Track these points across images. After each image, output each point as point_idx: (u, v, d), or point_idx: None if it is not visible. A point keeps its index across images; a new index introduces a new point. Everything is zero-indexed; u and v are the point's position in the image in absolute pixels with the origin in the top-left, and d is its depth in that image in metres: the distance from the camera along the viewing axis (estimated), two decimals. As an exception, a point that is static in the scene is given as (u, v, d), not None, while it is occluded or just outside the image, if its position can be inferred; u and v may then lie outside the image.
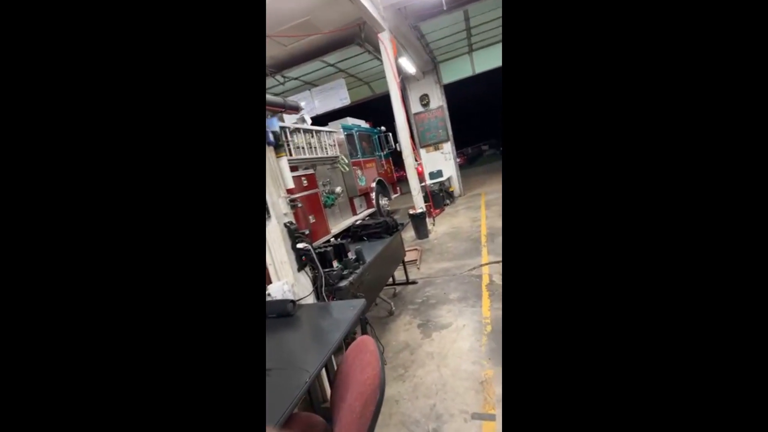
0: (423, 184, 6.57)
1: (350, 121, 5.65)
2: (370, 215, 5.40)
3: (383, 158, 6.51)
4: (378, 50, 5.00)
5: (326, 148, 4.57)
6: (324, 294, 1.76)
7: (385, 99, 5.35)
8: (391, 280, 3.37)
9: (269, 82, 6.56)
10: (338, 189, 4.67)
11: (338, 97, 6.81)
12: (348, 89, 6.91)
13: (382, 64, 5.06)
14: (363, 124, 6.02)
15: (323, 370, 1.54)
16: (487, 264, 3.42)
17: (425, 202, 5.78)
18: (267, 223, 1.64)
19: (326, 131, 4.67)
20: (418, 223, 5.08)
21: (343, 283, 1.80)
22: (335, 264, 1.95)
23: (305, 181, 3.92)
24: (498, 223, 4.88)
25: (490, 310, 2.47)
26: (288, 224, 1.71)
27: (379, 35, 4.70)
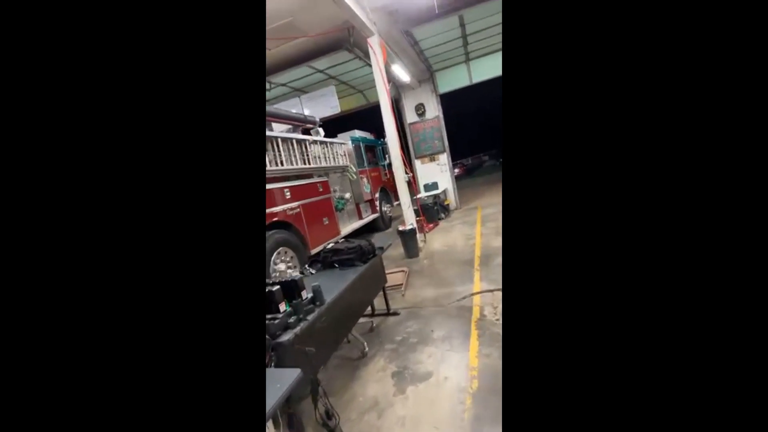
0: (415, 197, 6.24)
1: (357, 133, 6.17)
2: (372, 221, 5.96)
3: (386, 167, 7.00)
4: (369, 56, 4.70)
5: (338, 158, 5.07)
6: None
7: (379, 108, 5.05)
8: (370, 308, 2.98)
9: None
10: (347, 195, 5.22)
11: (328, 105, 6.51)
12: (340, 97, 6.63)
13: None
14: (368, 135, 6.49)
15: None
16: (478, 293, 3.03)
17: (417, 216, 5.43)
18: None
19: (338, 143, 5.17)
20: (408, 239, 4.70)
21: (286, 337, 1.41)
22: (282, 307, 1.56)
23: (321, 188, 4.46)
24: (493, 242, 4.50)
25: (477, 356, 2.07)
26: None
27: (369, 40, 4.41)
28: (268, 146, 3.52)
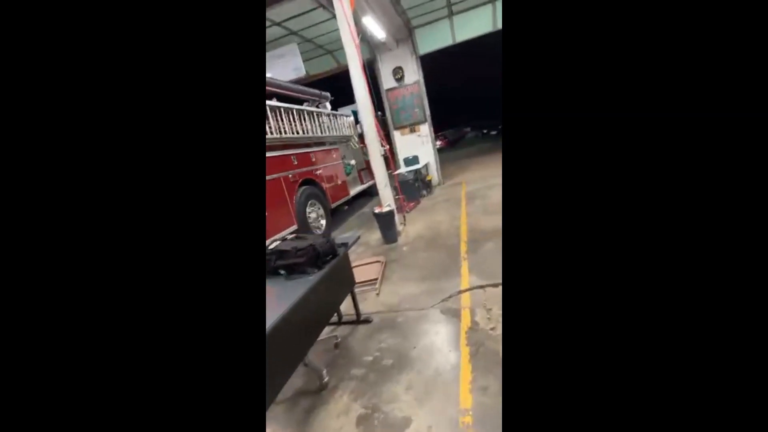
0: (393, 173, 5.64)
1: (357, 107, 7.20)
2: (369, 187, 6.51)
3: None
4: (333, 2, 3.83)
5: (343, 129, 5.88)
6: None
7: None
8: (336, 315, 2.42)
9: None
10: (353, 162, 6.08)
11: (291, 66, 5.60)
12: (306, 59, 5.72)
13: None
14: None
15: None
16: (468, 290, 2.52)
17: (396, 195, 4.83)
18: None
19: (343, 115, 5.97)
20: (385, 223, 4.11)
21: None
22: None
23: (334, 154, 5.29)
24: (482, 222, 3.99)
25: (471, 390, 1.56)
26: None
27: (329, -23, 3.54)
28: (296, 117, 4.27)
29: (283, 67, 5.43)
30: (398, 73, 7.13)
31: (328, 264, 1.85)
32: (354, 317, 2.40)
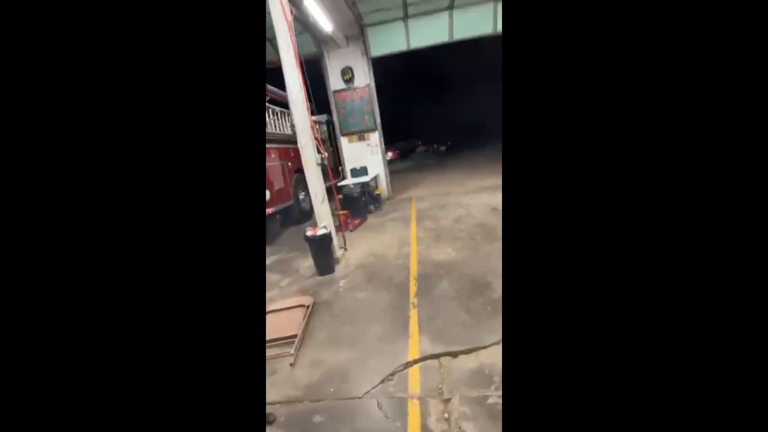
0: (337, 182, 4.89)
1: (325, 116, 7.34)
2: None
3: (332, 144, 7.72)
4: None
5: (319, 132, 6.46)
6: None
7: (304, 70, 3.45)
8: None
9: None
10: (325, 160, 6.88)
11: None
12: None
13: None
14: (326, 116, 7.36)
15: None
16: (418, 361, 1.82)
17: (336, 211, 4.04)
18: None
19: (319, 121, 6.72)
20: (320, 250, 3.29)
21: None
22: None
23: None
24: (434, 252, 3.37)
25: None
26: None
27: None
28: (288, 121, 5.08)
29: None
30: (347, 74, 6.42)
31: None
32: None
